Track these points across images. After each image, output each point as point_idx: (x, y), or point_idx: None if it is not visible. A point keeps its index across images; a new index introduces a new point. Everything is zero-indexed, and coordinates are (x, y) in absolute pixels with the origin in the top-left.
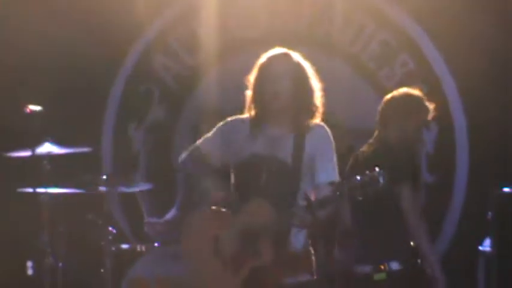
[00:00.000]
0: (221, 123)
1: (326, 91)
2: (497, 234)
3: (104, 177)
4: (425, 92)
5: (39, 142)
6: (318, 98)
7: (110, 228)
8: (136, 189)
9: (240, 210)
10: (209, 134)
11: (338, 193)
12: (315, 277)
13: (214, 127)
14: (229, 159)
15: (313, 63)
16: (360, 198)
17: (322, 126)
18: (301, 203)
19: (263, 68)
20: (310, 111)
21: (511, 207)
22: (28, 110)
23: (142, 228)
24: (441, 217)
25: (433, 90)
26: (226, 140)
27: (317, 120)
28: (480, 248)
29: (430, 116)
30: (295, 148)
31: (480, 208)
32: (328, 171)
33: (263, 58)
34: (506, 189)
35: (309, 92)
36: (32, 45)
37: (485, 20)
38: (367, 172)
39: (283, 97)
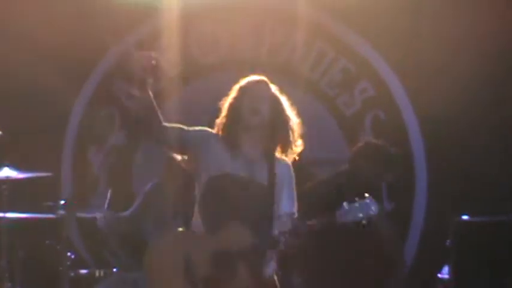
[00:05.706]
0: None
1: None
2: (455, 262)
3: (63, 202)
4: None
5: None
6: (294, 127)
7: (69, 254)
8: (95, 214)
9: (216, 233)
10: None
11: (326, 223)
12: None
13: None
14: (201, 164)
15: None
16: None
17: (286, 161)
18: (278, 229)
19: (244, 89)
20: (283, 137)
21: (470, 235)
22: None
23: (101, 253)
24: None
25: (392, 117)
26: (205, 141)
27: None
28: (439, 275)
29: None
30: (270, 173)
31: (439, 236)
32: (290, 202)
33: (243, 82)
34: (464, 217)
35: (285, 118)
36: None
37: (444, 48)
38: (357, 199)
39: (262, 115)
